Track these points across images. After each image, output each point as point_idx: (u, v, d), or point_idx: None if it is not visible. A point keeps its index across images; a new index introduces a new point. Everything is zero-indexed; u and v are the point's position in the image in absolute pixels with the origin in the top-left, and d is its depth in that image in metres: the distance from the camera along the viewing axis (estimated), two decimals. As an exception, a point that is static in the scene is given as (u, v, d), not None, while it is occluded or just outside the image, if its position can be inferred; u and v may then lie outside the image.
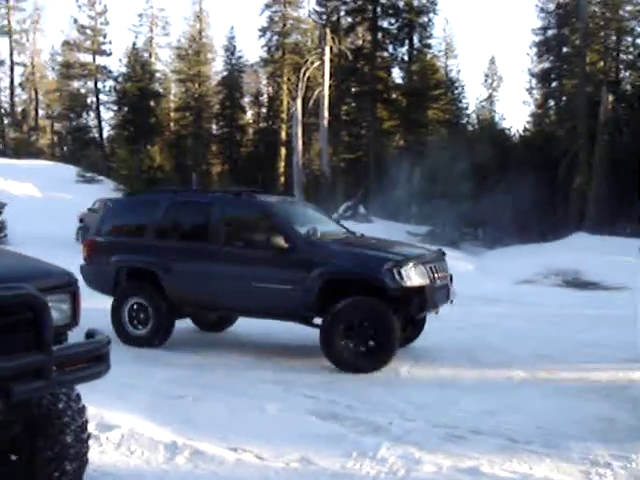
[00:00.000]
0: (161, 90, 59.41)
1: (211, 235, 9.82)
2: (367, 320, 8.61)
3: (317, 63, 39.63)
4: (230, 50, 58.32)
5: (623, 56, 41.82)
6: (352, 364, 8.56)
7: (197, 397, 7.28)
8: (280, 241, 9.20)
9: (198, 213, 10.28)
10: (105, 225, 10.93)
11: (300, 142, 40.04)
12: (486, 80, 58.55)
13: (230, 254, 9.62)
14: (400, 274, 8.62)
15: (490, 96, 58.05)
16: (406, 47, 46.24)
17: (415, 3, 45.32)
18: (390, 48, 46.74)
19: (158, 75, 60.09)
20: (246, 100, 61.13)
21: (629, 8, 40.82)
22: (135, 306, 10.03)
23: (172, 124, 59.82)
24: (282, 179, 50.84)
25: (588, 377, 8.48)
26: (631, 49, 41.59)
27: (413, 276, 8.72)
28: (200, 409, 6.88)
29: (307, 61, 40.23)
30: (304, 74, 39.50)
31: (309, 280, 8.98)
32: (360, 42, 47.78)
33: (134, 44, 60.04)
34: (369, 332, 8.58)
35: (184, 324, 10.99)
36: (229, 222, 10.06)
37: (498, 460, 5.53)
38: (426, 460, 5.49)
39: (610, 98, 32.66)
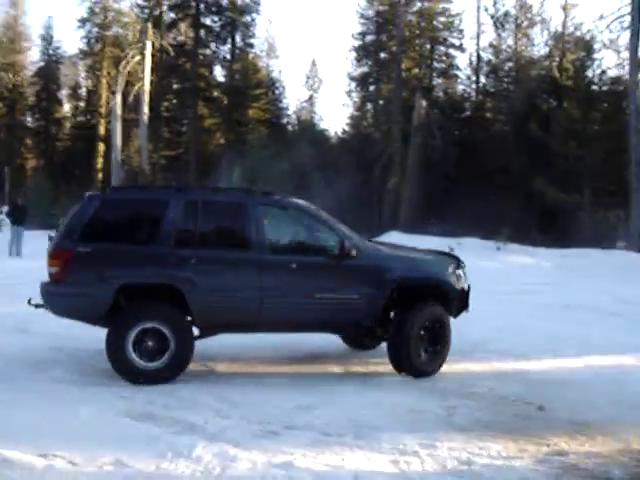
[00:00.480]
0: (-30, 78, 56.34)
1: (249, 241, 8.36)
2: (432, 324, 8.60)
3: (138, 58, 38.89)
4: (47, 40, 55.99)
5: (436, 64, 43.64)
6: (421, 369, 8.49)
7: (3, 401, 6.91)
8: (343, 247, 8.40)
9: (228, 215, 8.67)
10: (88, 229, 8.10)
11: (119, 138, 39.16)
12: (307, 82, 59.34)
13: (281, 263, 8.40)
14: (458, 276, 8.86)
15: (311, 97, 58.86)
16: (228, 45, 46.17)
17: (238, 2, 45.31)
18: (212, 46, 46.52)
19: (-32, 62, 56.95)
20: (63, 93, 58.88)
21: (442, 19, 42.70)
22: (142, 334, 7.93)
23: (-18, 115, 56.84)
24: (100, 175, 49.40)
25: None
26: (444, 58, 43.49)
27: (465, 279, 9.00)
28: (6, 414, 6.53)
29: (128, 55, 39.39)
30: (124, 68, 38.68)
31: (378, 287, 8.52)
32: (182, 38, 47.23)
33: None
34: (433, 336, 8.58)
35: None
36: (269, 226, 8.53)
37: (311, 454, 5.62)
38: (241, 457, 5.50)
39: (424, 103, 34.09)
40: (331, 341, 10.37)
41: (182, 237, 8.20)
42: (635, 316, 13.73)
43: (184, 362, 8.01)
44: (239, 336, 10.01)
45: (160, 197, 8.67)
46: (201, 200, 8.46)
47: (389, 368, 8.67)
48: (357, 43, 44.43)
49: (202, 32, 45.64)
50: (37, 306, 8.38)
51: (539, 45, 41.13)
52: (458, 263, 9.24)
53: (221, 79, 47.79)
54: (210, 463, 5.39)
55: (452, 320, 8.95)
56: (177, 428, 6.22)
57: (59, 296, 8.04)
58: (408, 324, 8.45)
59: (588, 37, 36.61)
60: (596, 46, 35.49)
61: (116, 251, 8.06)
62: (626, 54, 32.59)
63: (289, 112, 51.07)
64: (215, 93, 46.45)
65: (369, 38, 43.90)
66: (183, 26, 47.16)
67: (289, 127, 46.54)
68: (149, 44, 38.70)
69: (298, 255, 8.57)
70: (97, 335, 8.33)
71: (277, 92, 49.81)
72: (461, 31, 42.56)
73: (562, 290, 17.74)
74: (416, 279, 8.95)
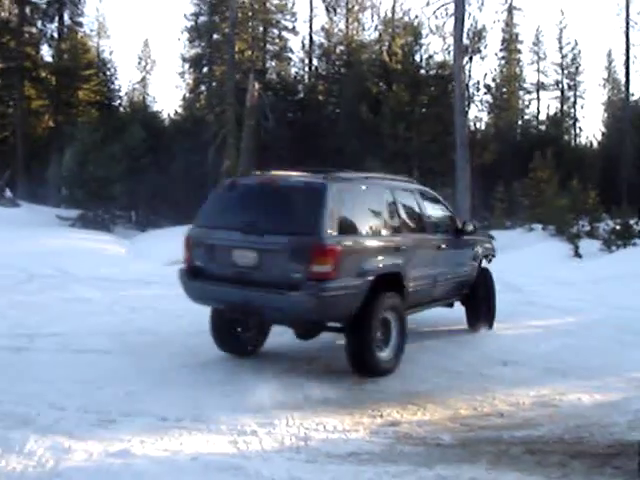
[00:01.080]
0: None
1: (423, 224, 9.19)
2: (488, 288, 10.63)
3: (-45, 34, 36.74)
4: None
5: (269, 47, 43.73)
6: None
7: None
8: (462, 223, 10.17)
9: (411, 201, 9.12)
10: (333, 220, 7.44)
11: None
12: (139, 63, 58.07)
13: (441, 241, 9.47)
14: None
15: (143, 79, 57.63)
16: (56, 24, 44.34)
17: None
18: (39, 24, 44.49)
19: None
20: None
21: (276, 2, 42.79)
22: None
23: None
24: None
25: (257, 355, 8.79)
26: (277, 40, 43.64)
27: None
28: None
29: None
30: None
31: (476, 260, 10.33)
32: (6, 15, 44.92)
33: None
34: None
35: None
36: (427, 209, 9.43)
37: (149, 439, 5.54)
38: (76, 448, 5.32)
39: (257, 86, 34.12)
40: (167, 326, 10.29)
41: (393, 225, 8.47)
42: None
43: (402, 352, 8.10)
44: (69, 324, 9.81)
45: (375, 184, 8.68)
46: (400, 188, 9.03)
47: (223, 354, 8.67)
48: (190, 24, 43.83)
49: (27, 9, 43.58)
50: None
51: (370, 29, 42.15)
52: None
53: (49, 59, 45.89)
54: (43, 457, 5.16)
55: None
56: (8, 422, 5.93)
57: (332, 296, 7.27)
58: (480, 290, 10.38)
59: (416, 23, 37.80)
60: (423, 32, 36.62)
61: (364, 242, 7.89)
62: (451, 40, 33.84)
63: (121, 94, 49.78)
64: (43, 73, 44.51)
65: (202, 19, 43.39)
66: (7, 2, 44.91)
67: (121, 109, 45.32)
68: (-32, 20, 36.65)
69: (442, 234, 9.62)
70: None
71: (108, 73, 48.31)
72: (294, 14, 42.79)
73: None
74: (489, 250, 11.04)
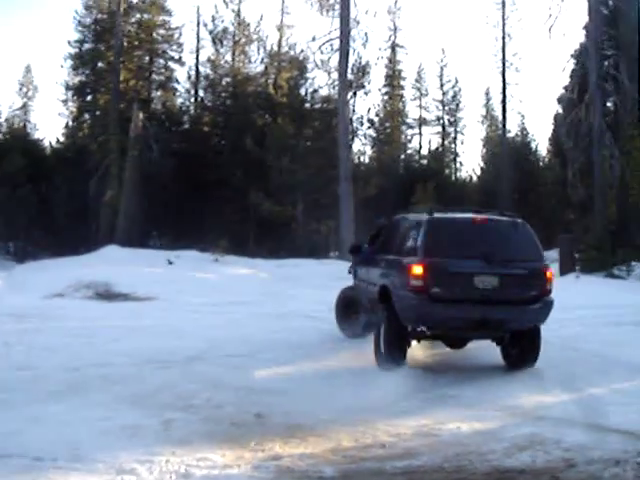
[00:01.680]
0: None
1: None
2: None
3: None
4: None
5: (155, 76, 43.30)
6: None
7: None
8: None
9: None
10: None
11: None
12: (21, 89, 56.63)
13: None
14: None
15: (24, 105, 56.19)
16: None
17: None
18: None
19: None
20: None
21: (162, 32, 42.52)
22: None
23: None
24: None
25: (122, 384, 8.73)
26: (163, 70, 43.31)
27: None
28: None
29: None
30: None
31: None
32: None
33: None
34: None
35: None
36: None
37: (22, 481, 5.35)
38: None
39: (141, 115, 33.81)
40: (44, 361, 10.08)
41: None
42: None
43: None
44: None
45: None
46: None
47: (108, 385, 8.61)
48: (74, 51, 43.07)
49: None
50: None
51: (256, 62, 42.31)
52: None
53: None
54: None
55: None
56: None
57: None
58: None
59: (301, 57, 38.33)
60: (309, 66, 37.19)
61: None
62: (336, 75, 34.49)
63: (0, 120, 48.35)
64: None
65: (86, 46, 42.70)
66: None
67: (0, 136, 43.99)
68: None
69: None
70: None
71: (-14, 99, 47.06)
72: (180, 44, 42.56)
73: (278, 299, 18.45)
74: None
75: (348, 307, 13.03)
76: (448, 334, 10.34)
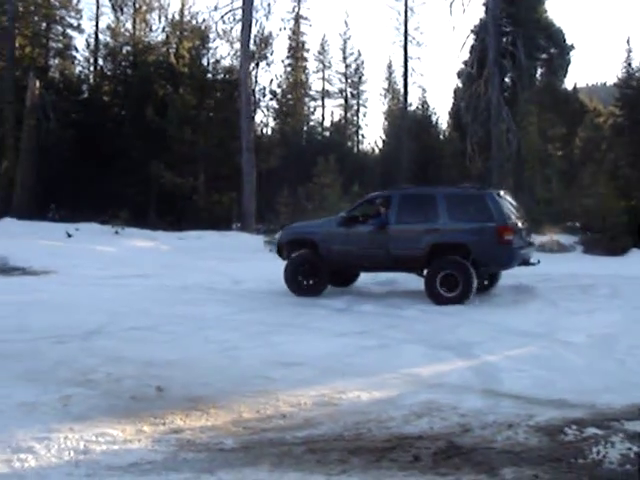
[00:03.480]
0: None
1: None
2: None
3: None
4: None
5: (53, 44, 42.17)
6: None
7: None
8: None
9: None
10: None
11: None
12: None
13: None
14: None
15: None
16: None
17: None
18: None
19: None
20: None
21: (58, -3, 41.37)
22: None
23: None
24: None
25: (18, 360, 8.56)
26: (61, 38, 42.16)
27: None
28: None
29: None
30: None
31: None
32: None
33: None
34: None
35: None
36: None
37: None
38: None
39: (37, 83, 32.95)
40: None
41: None
42: (240, 293, 14.93)
43: None
44: None
45: None
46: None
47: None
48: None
49: None
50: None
51: (157, 31, 41.63)
52: None
53: None
54: None
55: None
56: None
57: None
58: None
59: (203, 27, 37.95)
60: (211, 36, 36.90)
61: None
62: (238, 45, 34.35)
63: None
64: None
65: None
66: None
67: None
68: None
69: None
70: None
71: None
72: (79, 11, 41.49)
73: (179, 272, 18.41)
74: None
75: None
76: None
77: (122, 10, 41.73)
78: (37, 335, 10.20)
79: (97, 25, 42.70)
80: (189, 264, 20.27)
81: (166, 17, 41.34)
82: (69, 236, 26.07)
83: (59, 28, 41.89)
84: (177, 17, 41.50)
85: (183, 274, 17.96)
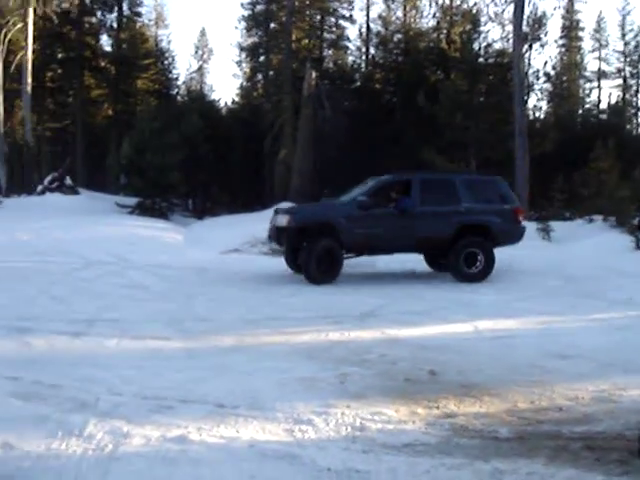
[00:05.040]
0: None
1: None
2: None
3: (20, 25, 37.27)
4: None
5: (326, 35, 43.63)
6: None
7: None
8: None
9: None
10: None
11: (0, 109, 37.58)
12: (197, 52, 58.55)
13: None
14: None
15: (200, 68, 58.09)
16: (115, 14, 44.79)
17: (125, -31, 44.06)
18: (98, 14, 44.98)
19: None
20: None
21: (332, -10, 42.62)
22: None
23: None
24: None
25: (292, 340, 8.83)
26: (334, 29, 43.50)
27: None
28: None
29: (8, 22, 37.68)
30: (5, 36, 37.06)
31: None
32: (67, 6, 45.49)
33: None
34: None
35: None
36: None
37: (206, 426, 5.53)
38: (134, 433, 5.35)
39: (313, 74, 34.06)
40: (224, 313, 10.34)
41: None
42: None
43: None
44: (131, 312, 9.95)
45: None
46: None
47: (281, 338, 8.81)
48: (247, 13, 44.01)
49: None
50: None
51: (427, 17, 41.67)
52: None
53: (108, 49, 46.41)
54: (102, 440, 5.19)
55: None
56: (67, 406, 5.98)
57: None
58: None
59: (474, 10, 37.35)
60: (482, 19, 36.19)
61: None
62: (510, 27, 33.36)
63: (178, 83, 50.20)
64: (102, 63, 45.02)
65: (259, 8, 43.51)
66: (68, -7, 45.48)
67: (179, 98, 45.64)
68: (31, 11, 37.10)
69: None
70: None
71: (166, 62, 48.81)
72: (351, 2, 42.62)
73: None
74: None
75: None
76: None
77: (393, -2, 42.15)
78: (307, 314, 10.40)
79: (368, 15, 43.58)
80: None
81: (437, 3, 41.20)
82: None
83: (332, 20, 43.25)
84: (447, 2, 41.24)
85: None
